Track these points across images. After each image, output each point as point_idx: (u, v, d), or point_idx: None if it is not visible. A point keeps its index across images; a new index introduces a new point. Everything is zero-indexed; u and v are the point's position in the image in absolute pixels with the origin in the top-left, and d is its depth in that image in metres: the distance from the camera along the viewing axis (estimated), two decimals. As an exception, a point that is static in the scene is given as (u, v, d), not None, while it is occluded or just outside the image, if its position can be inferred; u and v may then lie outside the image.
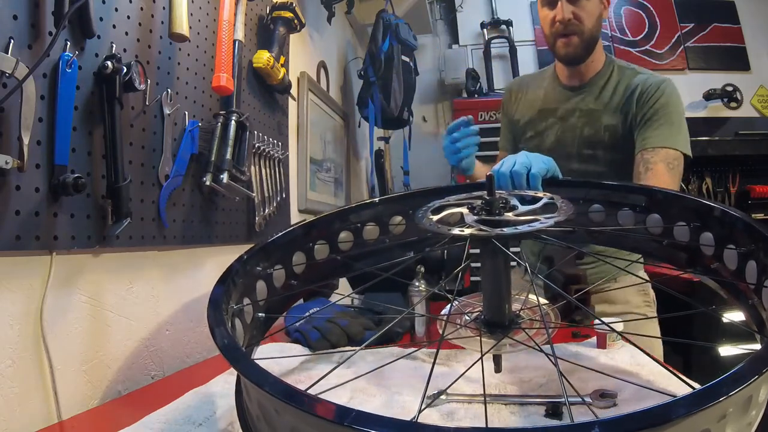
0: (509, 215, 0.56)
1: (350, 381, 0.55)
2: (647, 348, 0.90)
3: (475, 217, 0.57)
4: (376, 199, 0.83)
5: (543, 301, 0.63)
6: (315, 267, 0.77)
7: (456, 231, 0.54)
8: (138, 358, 0.91)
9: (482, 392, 0.68)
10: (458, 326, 0.59)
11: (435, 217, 0.61)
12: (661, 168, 1.06)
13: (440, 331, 0.57)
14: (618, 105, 1.16)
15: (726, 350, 2.03)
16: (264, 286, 0.68)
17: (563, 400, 0.64)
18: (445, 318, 0.58)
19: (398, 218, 0.82)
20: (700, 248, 0.62)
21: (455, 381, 0.58)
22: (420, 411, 0.38)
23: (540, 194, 0.62)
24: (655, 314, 1.30)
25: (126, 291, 0.90)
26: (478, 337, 0.54)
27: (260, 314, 0.65)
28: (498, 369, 0.60)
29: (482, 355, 0.48)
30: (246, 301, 0.63)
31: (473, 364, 0.55)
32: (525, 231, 0.52)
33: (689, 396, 0.30)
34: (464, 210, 0.60)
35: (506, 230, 0.52)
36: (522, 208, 0.58)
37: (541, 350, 0.47)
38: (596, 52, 1.19)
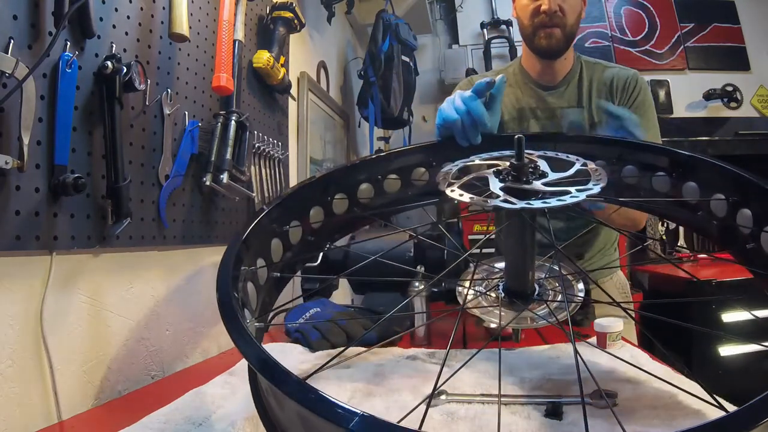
0: (538, 184, 0.51)
1: (350, 381, 0.55)
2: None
3: (502, 184, 0.52)
4: (394, 151, 0.78)
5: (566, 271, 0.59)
6: (332, 222, 0.73)
7: (481, 201, 0.49)
8: (138, 358, 0.91)
9: (481, 392, 0.69)
10: (478, 294, 0.55)
11: (458, 183, 0.55)
12: None
13: (459, 301, 0.54)
14: (596, 103, 1.19)
15: (726, 350, 2.03)
16: (279, 244, 0.64)
17: (570, 399, 0.63)
18: (466, 286, 0.55)
19: (421, 170, 0.77)
20: (736, 225, 0.57)
21: (457, 370, 0.53)
22: (424, 418, 0.37)
23: (572, 158, 0.57)
24: (632, 310, 1.33)
25: (126, 291, 0.90)
26: (498, 310, 0.52)
27: (275, 274, 0.62)
28: (516, 340, 0.59)
29: (500, 329, 0.47)
30: (260, 262, 0.59)
31: (481, 348, 0.54)
32: (555, 205, 0.48)
33: (740, 412, 0.27)
34: (490, 175, 0.54)
35: (535, 204, 0.48)
36: (552, 176, 0.54)
37: (561, 327, 0.46)
38: (570, 50, 1.22)
